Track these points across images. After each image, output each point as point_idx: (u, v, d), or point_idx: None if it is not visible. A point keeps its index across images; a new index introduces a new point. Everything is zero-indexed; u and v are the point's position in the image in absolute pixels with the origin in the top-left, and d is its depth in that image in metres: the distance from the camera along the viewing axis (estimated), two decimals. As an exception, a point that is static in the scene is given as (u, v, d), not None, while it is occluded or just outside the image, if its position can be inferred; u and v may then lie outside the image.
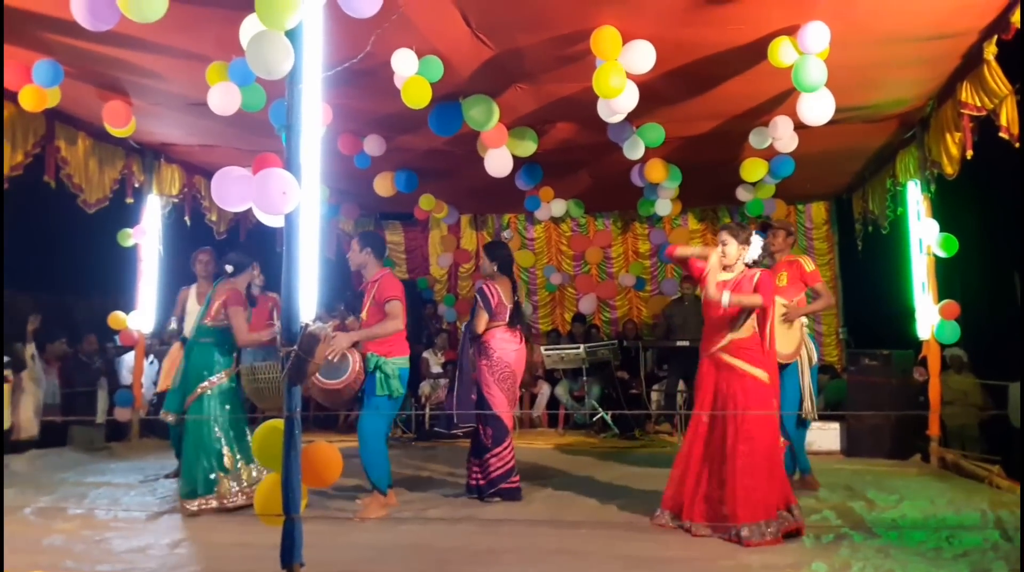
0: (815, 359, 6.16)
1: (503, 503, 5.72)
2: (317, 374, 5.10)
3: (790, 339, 5.90)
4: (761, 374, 4.73)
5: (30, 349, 8.20)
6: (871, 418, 7.51)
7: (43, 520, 5.16)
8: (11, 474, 6.56)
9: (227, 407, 5.70)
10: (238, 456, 5.64)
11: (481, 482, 5.86)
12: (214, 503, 5.48)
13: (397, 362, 5.42)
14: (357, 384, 5.29)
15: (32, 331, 8.21)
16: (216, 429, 5.61)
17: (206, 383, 5.67)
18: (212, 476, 5.51)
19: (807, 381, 6.04)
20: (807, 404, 6.00)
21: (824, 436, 7.92)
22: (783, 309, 5.85)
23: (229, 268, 5.90)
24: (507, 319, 5.98)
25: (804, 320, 6.08)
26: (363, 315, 5.52)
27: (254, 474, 5.65)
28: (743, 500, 4.51)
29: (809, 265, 6.26)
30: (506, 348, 5.92)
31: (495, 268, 6.12)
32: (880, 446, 7.55)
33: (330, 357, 5.09)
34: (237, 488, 5.56)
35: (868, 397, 7.66)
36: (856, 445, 7.73)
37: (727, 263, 4.89)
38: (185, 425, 5.67)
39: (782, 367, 5.67)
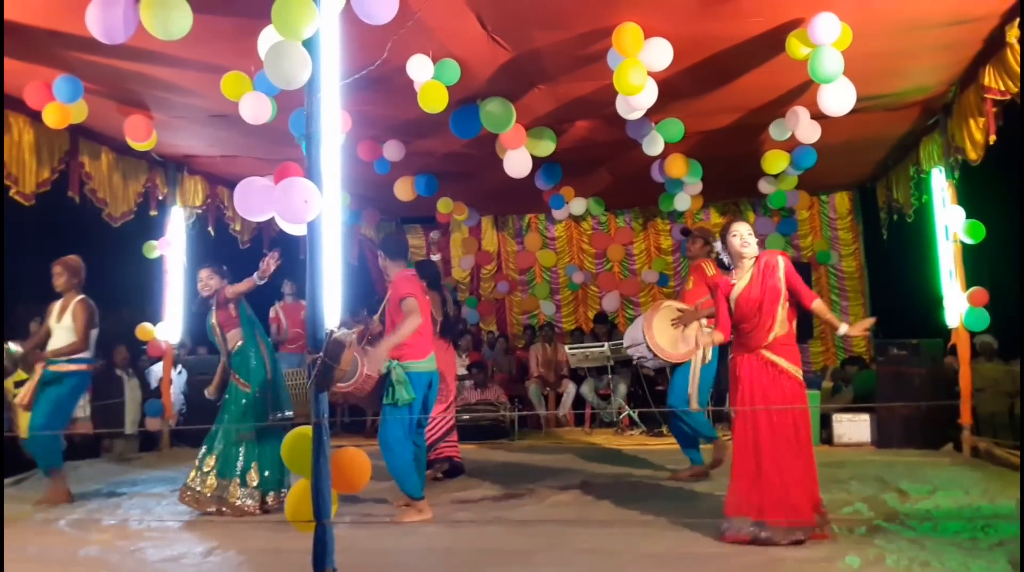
0: (708, 358, 6.36)
1: (530, 505, 5.71)
2: None
3: (685, 341, 6.26)
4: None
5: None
6: (901, 408, 7.43)
7: (78, 531, 5.21)
8: (45, 486, 6.64)
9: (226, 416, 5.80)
10: (204, 465, 5.70)
11: None
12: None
13: (411, 366, 5.36)
14: (368, 384, 5.28)
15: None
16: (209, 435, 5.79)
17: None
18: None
19: (696, 377, 6.30)
20: (692, 401, 6.30)
21: (854, 428, 7.86)
22: (677, 313, 6.29)
23: None
24: (437, 331, 6.35)
25: (703, 321, 6.30)
26: (384, 317, 5.59)
27: (225, 492, 5.61)
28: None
29: (710, 269, 6.43)
30: None
31: (424, 285, 6.33)
32: (911, 436, 7.48)
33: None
34: (190, 494, 5.62)
35: (898, 387, 7.59)
36: (887, 436, 7.66)
37: (752, 254, 4.65)
38: None
39: (676, 365, 6.37)
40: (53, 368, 6.07)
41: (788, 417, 4.46)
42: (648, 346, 6.24)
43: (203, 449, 5.73)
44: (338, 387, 5.21)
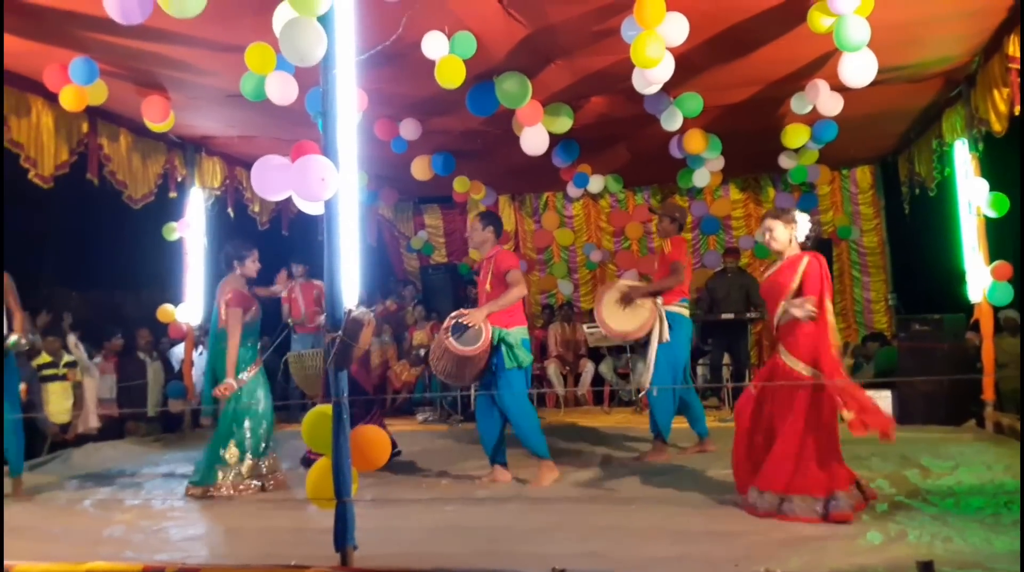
0: (666, 337, 6.26)
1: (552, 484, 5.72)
2: (452, 340, 5.39)
3: (633, 318, 6.25)
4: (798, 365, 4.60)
5: (71, 339, 8.39)
6: (923, 385, 7.38)
7: (102, 512, 5.27)
8: (69, 467, 6.72)
9: (249, 401, 5.74)
10: (246, 450, 5.71)
11: None
12: (212, 491, 5.58)
13: (517, 333, 5.61)
14: (487, 353, 5.50)
15: (68, 324, 8.39)
16: (233, 425, 5.70)
17: (234, 382, 5.68)
18: (215, 467, 5.64)
19: (651, 356, 6.25)
20: (644, 377, 6.28)
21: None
22: (625, 289, 6.32)
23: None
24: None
25: (658, 299, 6.29)
26: (487, 288, 5.73)
27: (259, 469, 5.73)
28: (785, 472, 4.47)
29: (667, 247, 6.50)
30: None
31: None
32: (933, 412, 7.42)
33: (471, 326, 5.43)
34: (231, 481, 5.62)
35: (920, 363, 7.54)
36: (908, 412, 7.59)
37: (778, 249, 4.74)
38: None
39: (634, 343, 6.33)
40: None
41: (787, 399, 4.55)
42: (598, 324, 6.37)
43: (226, 446, 5.71)
44: (462, 350, 5.39)
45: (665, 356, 6.26)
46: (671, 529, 4.32)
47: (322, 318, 6.92)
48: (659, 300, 6.31)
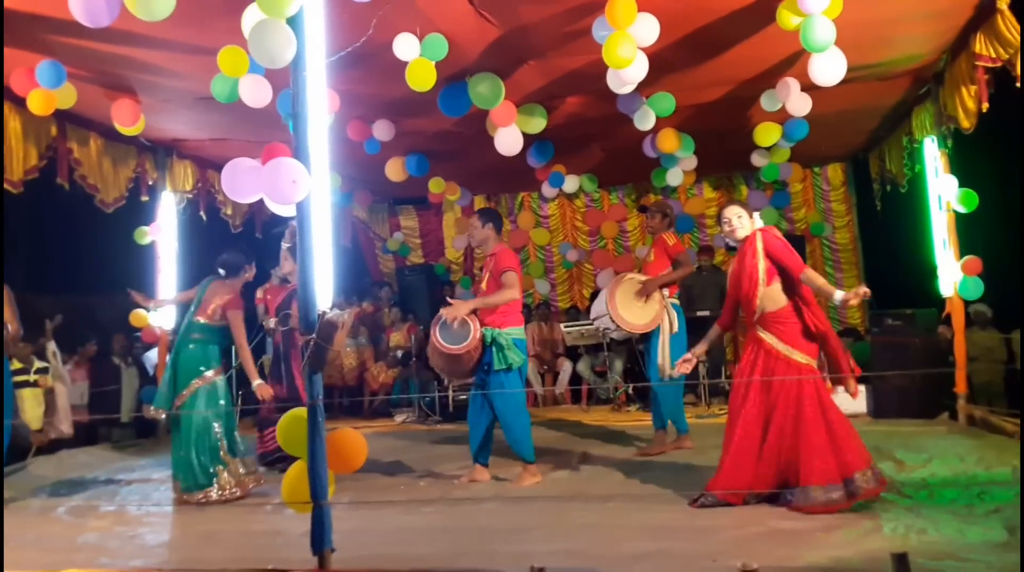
0: (676, 327, 6.44)
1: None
2: (439, 338, 5.34)
3: (647, 311, 6.39)
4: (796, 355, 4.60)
5: (50, 347, 8.27)
6: (897, 378, 7.43)
7: (76, 518, 5.22)
8: (41, 476, 6.64)
9: (221, 402, 5.73)
10: (234, 446, 5.72)
11: (270, 448, 6.43)
12: (214, 494, 5.53)
13: (511, 333, 5.55)
14: (476, 352, 5.44)
15: (52, 329, 8.27)
16: (215, 424, 5.66)
17: (199, 380, 5.69)
18: (211, 469, 5.58)
19: (665, 346, 6.38)
20: (663, 366, 6.37)
21: (850, 399, 7.81)
22: (639, 285, 6.42)
23: (221, 271, 5.93)
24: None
25: (666, 291, 6.46)
26: (483, 286, 5.75)
27: (241, 470, 5.71)
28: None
29: (671, 239, 6.60)
30: None
31: None
32: (907, 406, 7.48)
33: (452, 324, 5.36)
34: (234, 480, 5.62)
35: (893, 357, 7.58)
36: (882, 406, 7.66)
37: (740, 236, 4.73)
38: (180, 420, 5.67)
39: (646, 335, 6.51)
40: None
41: (787, 393, 4.53)
42: (611, 318, 6.36)
43: (214, 445, 5.66)
44: (450, 349, 5.35)
45: (676, 346, 6.35)
46: (650, 526, 4.35)
47: (272, 322, 6.83)
48: (665, 292, 6.43)
